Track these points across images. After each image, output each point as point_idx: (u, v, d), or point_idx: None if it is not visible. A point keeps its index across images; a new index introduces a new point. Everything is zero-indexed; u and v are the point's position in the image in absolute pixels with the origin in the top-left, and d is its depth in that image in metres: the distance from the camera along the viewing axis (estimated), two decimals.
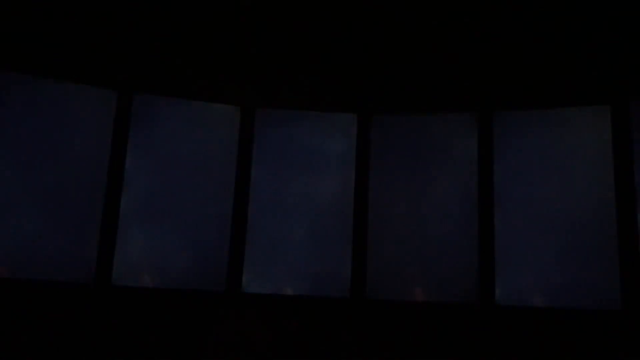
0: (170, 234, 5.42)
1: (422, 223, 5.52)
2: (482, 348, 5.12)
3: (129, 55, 5.51)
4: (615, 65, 5.16)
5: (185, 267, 5.40)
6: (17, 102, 5.12)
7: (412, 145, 5.70)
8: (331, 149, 5.77)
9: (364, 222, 5.60)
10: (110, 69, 5.44)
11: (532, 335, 5.02)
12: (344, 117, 5.83)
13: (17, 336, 4.83)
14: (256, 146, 5.77)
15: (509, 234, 5.27)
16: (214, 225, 5.53)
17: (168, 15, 5.42)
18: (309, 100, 5.79)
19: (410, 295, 5.40)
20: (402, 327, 5.29)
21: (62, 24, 5.30)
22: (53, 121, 5.22)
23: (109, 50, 5.46)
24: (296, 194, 5.67)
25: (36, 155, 5.12)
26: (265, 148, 5.76)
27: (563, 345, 4.93)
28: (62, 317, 4.98)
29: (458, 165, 5.56)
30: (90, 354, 5.00)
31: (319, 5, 5.26)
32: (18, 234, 4.97)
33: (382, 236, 5.57)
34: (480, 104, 5.57)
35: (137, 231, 5.35)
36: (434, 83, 5.70)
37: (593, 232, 5.02)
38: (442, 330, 5.22)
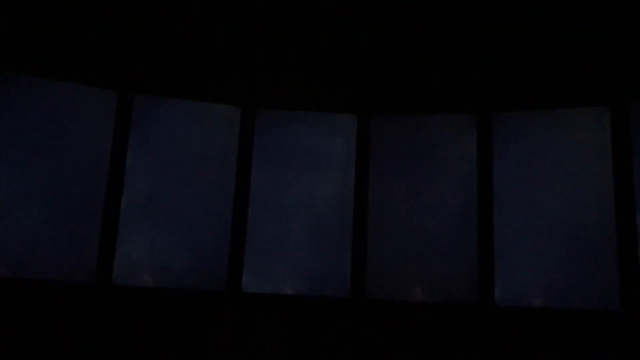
0: (170, 233, 5.43)
1: (422, 223, 5.53)
2: (481, 348, 5.13)
3: (130, 55, 5.52)
4: (614, 66, 5.16)
5: (186, 267, 5.42)
6: (17, 103, 5.14)
7: (411, 145, 5.71)
8: (331, 149, 5.78)
9: (363, 222, 5.61)
10: (111, 69, 5.46)
11: (531, 336, 5.03)
12: (344, 117, 5.84)
13: (17, 336, 4.85)
14: (256, 146, 5.78)
15: (508, 234, 5.28)
16: (214, 225, 5.55)
17: (168, 16, 5.43)
18: (309, 101, 5.80)
19: (410, 295, 5.41)
20: (401, 327, 5.30)
21: (63, 24, 5.31)
22: (54, 121, 5.24)
23: (109, 51, 5.47)
24: (296, 194, 5.69)
25: (37, 155, 5.14)
26: (265, 148, 5.77)
27: (562, 345, 4.94)
28: (63, 316, 4.99)
29: (457, 166, 5.57)
30: (90, 354, 5.02)
31: (319, 6, 5.27)
32: (19, 234, 4.99)
33: (381, 236, 5.58)
34: (479, 105, 5.57)
35: (137, 231, 5.37)
36: (433, 84, 5.71)
37: (592, 232, 5.03)
38: (442, 330, 5.24)
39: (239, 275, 5.51)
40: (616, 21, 5.04)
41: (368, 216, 5.63)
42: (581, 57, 5.28)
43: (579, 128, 5.26)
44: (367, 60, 5.77)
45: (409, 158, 5.68)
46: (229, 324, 5.32)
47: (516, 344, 5.05)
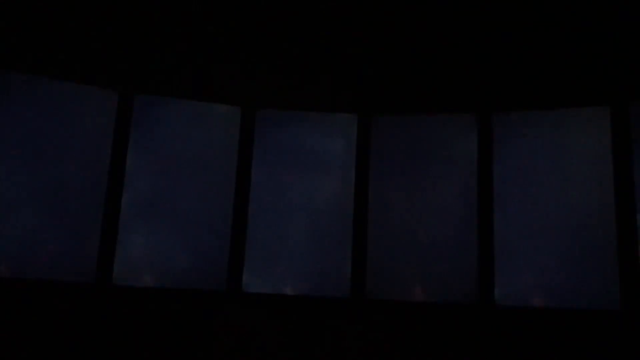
0: (170, 233, 5.44)
1: (422, 223, 5.53)
2: (482, 348, 5.13)
3: (130, 55, 5.53)
4: (615, 66, 5.17)
5: (186, 267, 5.42)
6: (17, 102, 5.14)
7: (412, 145, 5.71)
8: (331, 149, 5.78)
9: (363, 222, 5.62)
10: (111, 69, 5.46)
11: (531, 336, 5.03)
12: (344, 117, 5.85)
13: (17, 336, 4.85)
14: (256, 146, 5.78)
15: (508, 234, 5.29)
16: (215, 225, 5.55)
17: (168, 16, 5.44)
18: (309, 101, 5.81)
19: (410, 295, 5.42)
20: (401, 327, 5.31)
21: (63, 24, 5.32)
22: (54, 121, 5.24)
23: (109, 50, 5.48)
24: (296, 194, 5.69)
25: (37, 155, 5.15)
26: (265, 148, 5.78)
27: (562, 345, 4.94)
28: (63, 316, 5.00)
29: (458, 166, 5.57)
30: (90, 354, 5.02)
31: (319, 6, 5.27)
32: (19, 233, 4.99)
33: (382, 236, 5.59)
34: (480, 105, 5.58)
35: (137, 231, 5.37)
36: (433, 84, 5.72)
37: (592, 232, 5.03)
38: (442, 330, 5.24)
39: (239, 275, 5.51)
40: (616, 21, 5.05)
41: (368, 216, 5.64)
42: (581, 57, 5.28)
43: (579, 128, 5.27)
44: (367, 60, 5.78)
45: (409, 158, 5.69)
46: (229, 323, 5.33)
47: (516, 344, 5.05)
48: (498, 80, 5.55)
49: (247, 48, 5.72)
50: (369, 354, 5.29)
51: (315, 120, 5.84)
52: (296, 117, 5.85)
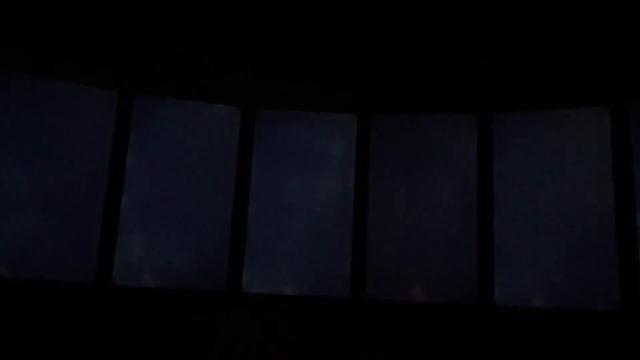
0: (170, 233, 5.44)
1: (422, 223, 5.54)
2: (482, 348, 5.14)
3: (130, 55, 5.53)
4: (615, 66, 5.17)
5: (186, 267, 5.43)
6: (17, 102, 5.15)
7: (412, 145, 5.72)
8: (331, 149, 5.79)
9: (363, 222, 5.62)
10: (111, 69, 5.47)
11: (532, 336, 5.04)
12: (344, 117, 5.85)
13: (17, 336, 4.85)
14: (256, 146, 5.79)
15: (508, 234, 5.29)
16: (215, 225, 5.56)
17: (168, 16, 5.44)
18: (309, 101, 5.82)
19: (410, 295, 5.42)
20: (401, 328, 5.31)
21: (63, 24, 5.32)
22: (54, 122, 5.25)
23: (109, 50, 5.48)
24: (296, 194, 5.70)
25: (37, 155, 5.15)
26: (265, 148, 5.78)
27: (562, 345, 4.94)
28: (63, 317, 5.00)
29: (458, 166, 5.58)
30: (90, 354, 5.02)
31: (319, 6, 5.27)
32: (19, 234, 5.00)
33: (381, 236, 5.59)
34: (479, 105, 5.58)
35: (137, 231, 5.38)
36: (433, 84, 5.72)
37: (592, 232, 5.04)
38: (442, 330, 5.25)
39: (239, 275, 5.51)
40: (616, 21, 5.05)
41: (368, 216, 5.64)
42: (581, 57, 5.28)
43: (579, 128, 5.27)
44: (367, 60, 5.78)
45: (409, 158, 5.69)
46: (229, 324, 5.33)
47: (516, 344, 5.05)
48: (498, 80, 5.55)
49: (247, 48, 5.73)
50: (369, 354, 5.29)
51: (315, 120, 5.85)
52: (296, 117, 5.85)
